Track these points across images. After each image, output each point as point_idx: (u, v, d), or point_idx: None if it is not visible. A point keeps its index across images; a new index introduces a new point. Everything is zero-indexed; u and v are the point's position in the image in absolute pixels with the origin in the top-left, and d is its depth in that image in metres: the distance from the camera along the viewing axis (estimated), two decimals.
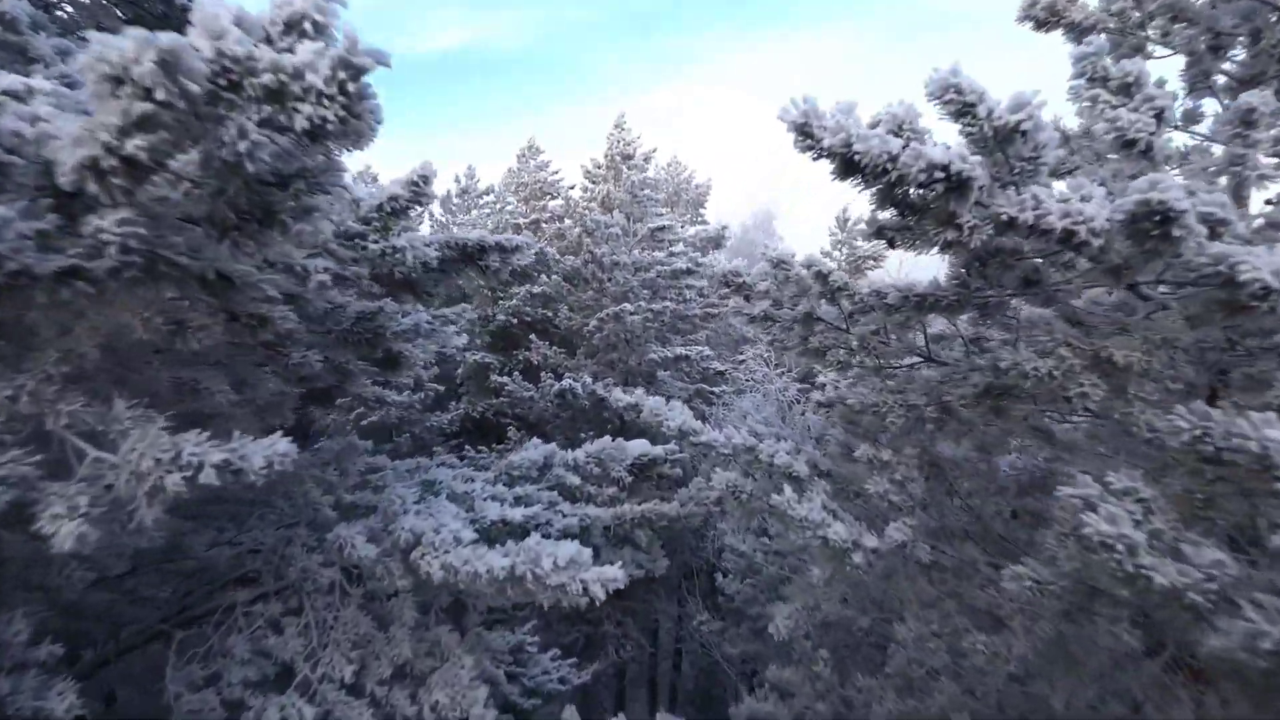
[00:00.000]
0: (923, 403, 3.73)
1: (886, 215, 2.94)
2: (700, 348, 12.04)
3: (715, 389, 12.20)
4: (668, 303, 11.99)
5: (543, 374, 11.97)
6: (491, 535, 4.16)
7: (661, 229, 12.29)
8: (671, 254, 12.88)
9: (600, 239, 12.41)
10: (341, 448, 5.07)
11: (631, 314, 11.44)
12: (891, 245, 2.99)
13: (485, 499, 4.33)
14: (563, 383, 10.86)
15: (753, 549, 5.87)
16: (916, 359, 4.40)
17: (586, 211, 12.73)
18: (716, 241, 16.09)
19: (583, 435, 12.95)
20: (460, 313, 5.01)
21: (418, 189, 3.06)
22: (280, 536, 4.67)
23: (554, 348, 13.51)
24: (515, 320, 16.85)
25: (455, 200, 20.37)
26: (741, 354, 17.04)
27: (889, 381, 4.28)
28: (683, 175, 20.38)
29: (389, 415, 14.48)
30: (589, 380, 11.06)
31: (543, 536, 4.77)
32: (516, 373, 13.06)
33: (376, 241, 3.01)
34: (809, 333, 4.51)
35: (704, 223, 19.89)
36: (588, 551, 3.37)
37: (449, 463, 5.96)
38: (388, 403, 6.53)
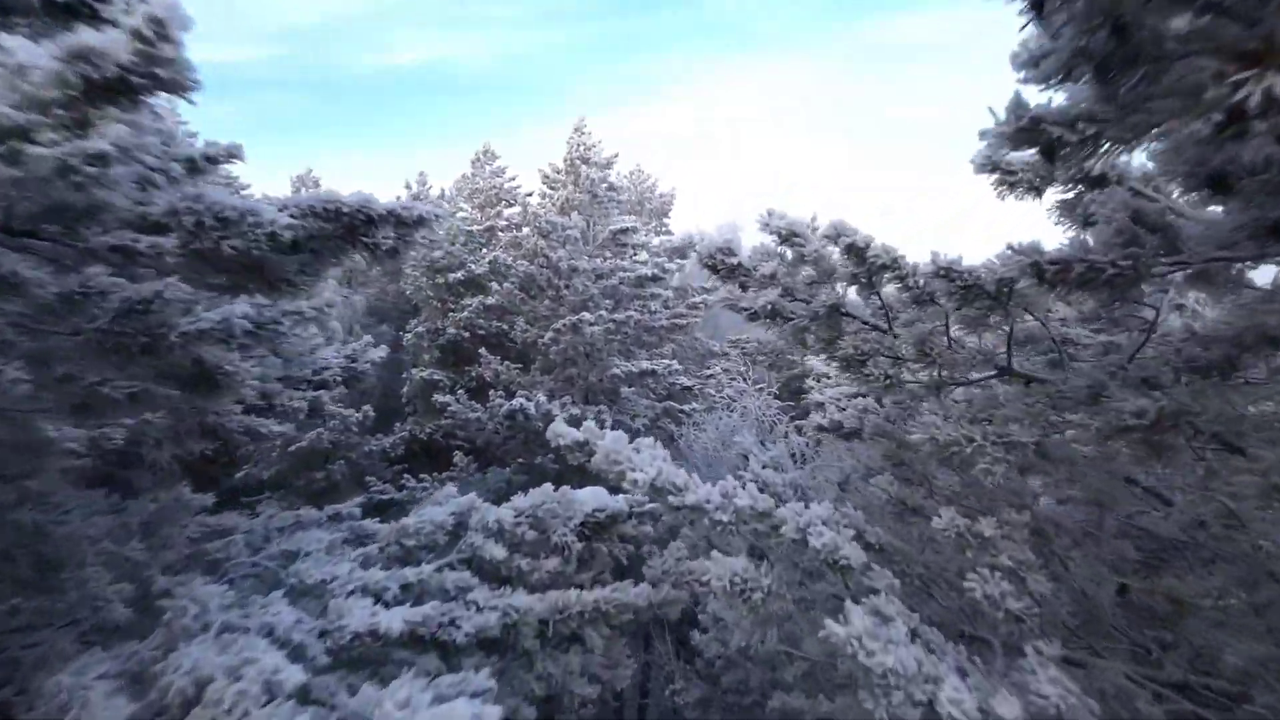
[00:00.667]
0: (1030, 440, 2.30)
1: (1059, 102, 1.51)
2: (667, 362, 10.57)
3: (684, 406, 10.72)
4: (631, 313, 10.50)
5: (492, 393, 10.32)
6: (353, 656, 2.56)
7: (624, 231, 10.83)
8: (635, 261, 11.43)
9: (557, 242, 10.88)
10: (161, 506, 3.39)
11: (591, 324, 9.90)
12: (1049, 158, 1.56)
13: (353, 590, 2.72)
14: (512, 402, 9.22)
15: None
16: (991, 373, 2.98)
17: (542, 213, 11.20)
18: (682, 252, 14.77)
19: (538, 460, 11.27)
20: (322, 309, 3.31)
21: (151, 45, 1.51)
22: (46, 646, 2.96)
23: (508, 363, 11.87)
24: (467, 334, 15.17)
25: None
26: (709, 368, 15.64)
27: (958, 404, 2.84)
28: (646, 183, 19.04)
29: (321, 439, 12.64)
30: (543, 399, 9.45)
31: (445, 643, 3.18)
32: (462, 391, 11.36)
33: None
34: (835, 333, 3.05)
35: (668, 233, 18.59)
36: (494, 713, 1.80)
37: (346, 513, 4.27)
38: (264, 436, 4.83)
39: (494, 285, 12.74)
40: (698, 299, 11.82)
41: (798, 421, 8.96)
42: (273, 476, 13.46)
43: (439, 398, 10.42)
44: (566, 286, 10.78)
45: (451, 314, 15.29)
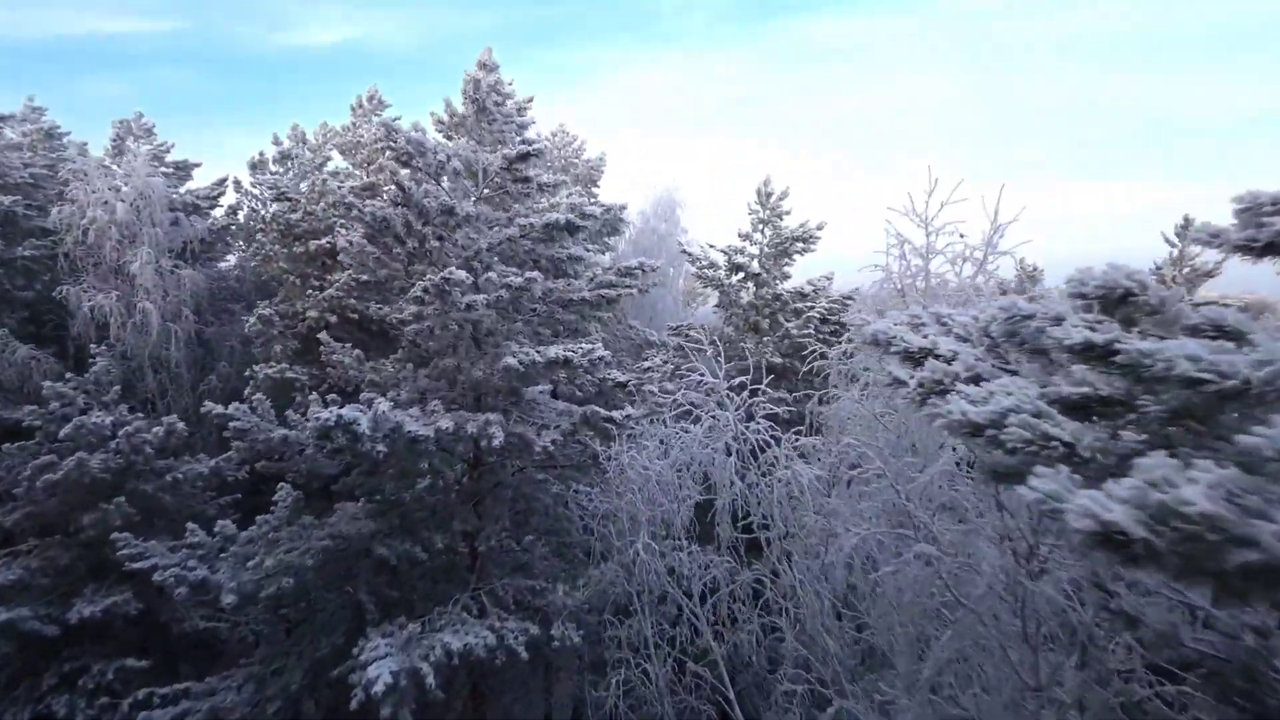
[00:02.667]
0: None
1: None
2: (588, 347, 6.66)
3: (616, 413, 6.83)
4: (536, 275, 6.53)
5: (314, 398, 6.13)
6: None
7: (524, 159, 6.83)
8: (552, 205, 7.49)
9: (425, 173, 6.78)
10: None
11: (469, 290, 5.89)
12: None
13: None
14: (325, 414, 5.07)
15: None
16: None
17: (403, 130, 7.00)
18: (613, 225, 10.71)
19: (378, 497, 6.70)
20: None
21: None
22: None
23: (360, 353, 7.65)
24: (335, 318, 10.70)
25: (273, 168, 13.79)
26: (645, 359, 11.78)
27: None
28: (572, 145, 15.02)
29: (85, 467, 7.95)
30: (385, 407, 5.35)
31: None
32: (251, 393, 7.06)
33: None
34: None
35: (598, 203, 14.59)
36: None
37: None
38: None
39: (341, 242, 8.44)
40: (633, 263, 7.97)
41: (797, 441, 5.16)
42: (25, 518, 8.67)
43: (216, 408, 6.10)
44: (439, 238, 6.68)
45: (314, 293, 10.82)
